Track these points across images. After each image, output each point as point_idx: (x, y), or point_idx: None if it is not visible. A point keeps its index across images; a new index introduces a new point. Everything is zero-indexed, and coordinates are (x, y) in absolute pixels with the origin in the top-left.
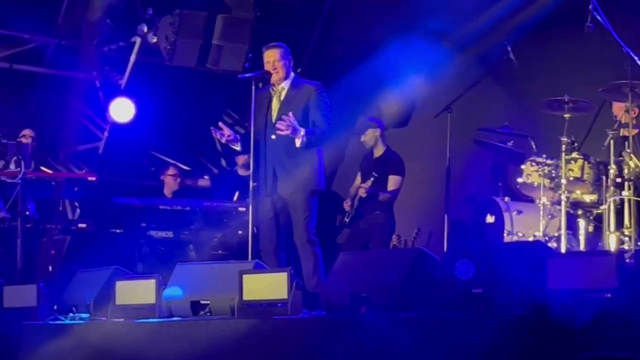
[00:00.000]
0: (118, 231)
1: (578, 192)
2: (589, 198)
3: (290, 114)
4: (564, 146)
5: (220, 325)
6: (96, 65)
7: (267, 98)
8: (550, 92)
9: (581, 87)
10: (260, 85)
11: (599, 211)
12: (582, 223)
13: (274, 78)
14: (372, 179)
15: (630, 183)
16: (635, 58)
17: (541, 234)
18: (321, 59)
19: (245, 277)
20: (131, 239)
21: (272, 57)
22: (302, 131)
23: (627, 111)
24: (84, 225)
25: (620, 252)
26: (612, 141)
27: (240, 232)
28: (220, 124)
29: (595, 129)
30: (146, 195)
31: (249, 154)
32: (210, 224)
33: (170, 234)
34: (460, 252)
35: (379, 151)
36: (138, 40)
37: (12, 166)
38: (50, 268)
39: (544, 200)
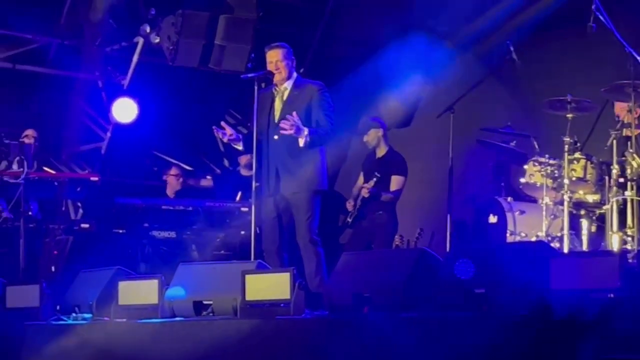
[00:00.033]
0: (121, 231)
1: (581, 192)
2: (591, 198)
3: (294, 113)
4: (566, 146)
5: (223, 326)
6: (99, 66)
7: (269, 98)
8: (552, 92)
9: (584, 87)
10: (263, 85)
11: (601, 211)
12: (584, 223)
13: (276, 78)
14: (374, 179)
15: (633, 183)
16: (638, 58)
17: (544, 234)
18: (324, 59)
19: (247, 277)
20: (134, 239)
21: (274, 58)
22: (306, 131)
23: (629, 111)
24: (86, 226)
25: (623, 252)
26: (614, 141)
27: (242, 232)
28: (222, 123)
29: (598, 129)
30: (149, 196)
31: (252, 154)
32: (212, 224)
33: (172, 234)
34: (462, 252)
35: (381, 151)
36: (140, 40)
37: (14, 166)
38: (52, 268)
39: (546, 200)
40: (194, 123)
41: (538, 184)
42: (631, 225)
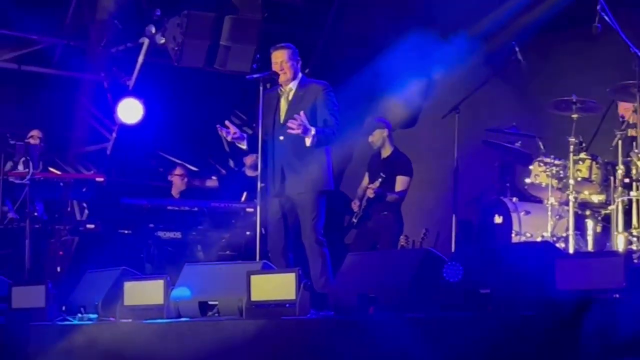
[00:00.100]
0: (126, 232)
1: (586, 192)
2: (597, 198)
3: (302, 113)
4: (572, 146)
5: (228, 326)
6: (104, 67)
7: (275, 99)
8: (558, 92)
9: (589, 88)
10: (268, 86)
11: (607, 211)
12: (590, 223)
13: (281, 79)
14: (380, 179)
15: (638, 183)
16: None
17: (549, 234)
18: (329, 60)
19: (253, 277)
20: (139, 239)
21: (279, 58)
22: (313, 130)
23: (635, 111)
24: (92, 226)
25: (629, 253)
26: (620, 141)
27: (248, 232)
28: (226, 122)
29: (603, 129)
30: (154, 196)
31: (257, 155)
32: (218, 225)
33: (178, 235)
34: (467, 252)
35: (386, 152)
36: (146, 41)
37: (20, 167)
38: (58, 269)
39: (552, 200)
40: (199, 124)
41: (543, 185)
42: (636, 226)
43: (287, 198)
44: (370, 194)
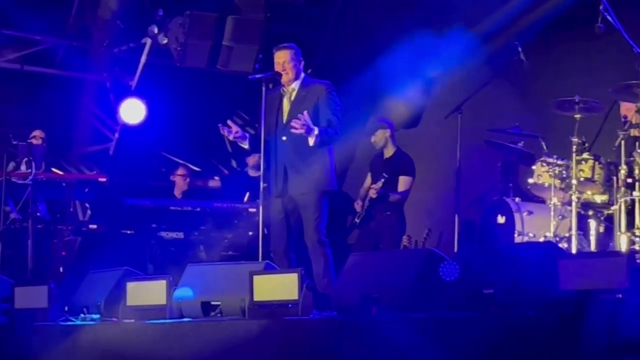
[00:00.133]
0: (129, 232)
1: (589, 192)
2: (599, 199)
3: (305, 112)
4: (574, 147)
5: (231, 326)
6: (106, 67)
7: (277, 99)
8: (560, 92)
9: (592, 88)
10: (271, 86)
11: (609, 212)
12: (592, 224)
13: (284, 79)
14: (382, 180)
15: None
16: None
17: (552, 234)
18: (331, 60)
19: (255, 277)
20: (142, 240)
21: (282, 58)
22: (316, 130)
23: (637, 111)
24: (94, 226)
25: (631, 253)
26: (622, 141)
27: (250, 233)
28: (228, 121)
29: (606, 129)
30: (157, 196)
31: (259, 155)
32: (220, 225)
33: (180, 235)
34: (470, 252)
35: (389, 152)
36: (148, 41)
37: (22, 167)
38: (61, 269)
39: (554, 200)
40: (202, 124)
41: (546, 185)
42: (639, 226)
43: (290, 198)
44: (372, 194)
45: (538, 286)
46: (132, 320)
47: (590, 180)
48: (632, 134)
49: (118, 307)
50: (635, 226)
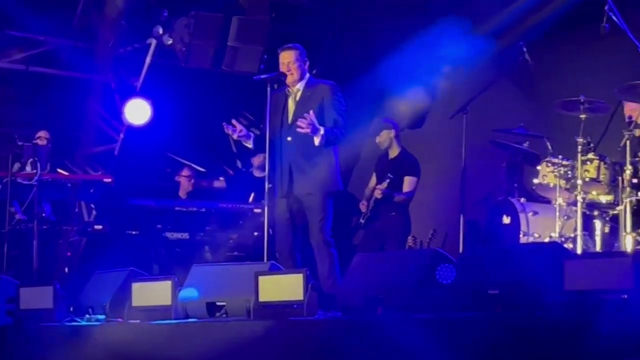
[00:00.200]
0: (134, 233)
1: (594, 192)
2: (605, 199)
3: (311, 112)
4: (579, 147)
5: (236, 327)
6: (111, 67)
7: (282, 99)
8: (565, 92)
9: (597, 88)
10: (276, 86)
11: (615, 212)
12: (598, 224)
13: (288, 80)
14: (388, 180)
15: None
16: None
17: (557, 235)
18: (336, 60)
19: (261, 278)
20: (147, 240)
21: (287, 59)
22: (322, 130)
23: None
24: (99, 227)
25: (637, 253)
26: (628, 142)
27: (255, 233)
28: (233, 120)
29: (611, 129)
30: (162, 197)
31: (264, 155)
32: (225, 226)
33: (186, 236)
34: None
35: (394, 152)
36: (153, 42)
37: (28, 168)
38: (66, 270)
39: (559, 201)
40: (207, 124)
41: (551, 185)
42: None
43: (295, 198)
44: (377, 194)
45: (543, 287)
46: (138, 321)
47: (595, 181)
48: (637, 134)
49: (123, 307)
50: None
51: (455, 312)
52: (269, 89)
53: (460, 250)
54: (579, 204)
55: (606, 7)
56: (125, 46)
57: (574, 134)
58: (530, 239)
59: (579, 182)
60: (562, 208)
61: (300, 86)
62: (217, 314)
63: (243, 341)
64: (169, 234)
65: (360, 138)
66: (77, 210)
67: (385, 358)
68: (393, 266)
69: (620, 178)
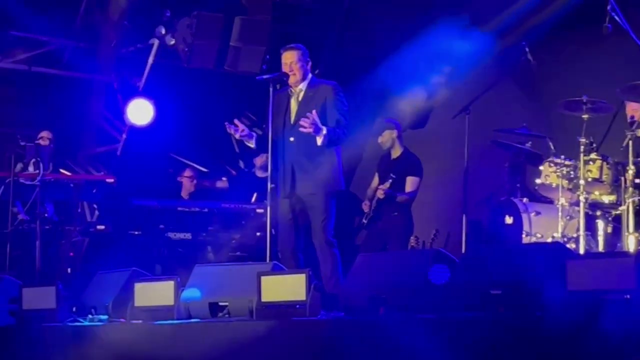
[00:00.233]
0: (136, 233)
1: (597, 193)
2: (607, 199)
3: (314, 112)
4: (582, 147)
5: (239, 327)
6: (114, 68)
7: (285, 99)
8: (568, 92)
9: (599, 88)
10: (278, 86)
11: (617, 212)
12: (600, 224)
13: (291, 80)
14: (390, 180)
15: None
16: None
17: (560, 235)
18: (339, 60)
19: (263, 278)
20: (149, 240)
21: (289, 59)
22: (324, 130)
23: None
24: (102, 227)
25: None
26: (630, 142)
27: (258, 233)
28: (235, 120)
29: (614, 129)
30: (165, 197)
31: (267, 155)
32: (228, 226)
33: (188, 236)
34: (478, 253)
35: (396, 152)
36: (156, 42)
37: (30, 168)
38: (69, 270)
39: (562, 201)
40: (209, 124)
41: (554, 185)
42: None
43: (298, 199)
44: (380, 194)
45: (546, 287)
46: (140, 321)
47: (598, 181)
48: (639, 134)
49: (126, 307)
50: None
51: (457, 312)
52: (271, 89)
53: (463, 250)
54: (581, 204)
55: (608, 7)
56: (127, 46)
57: (576, 134)
58: (533, 239)
59: (582, 182)
60: (564, 208)
61: (302, 86)
62: (220, 314)
63: (245, 341)
64: (171, 234)
65: (363, 138)
66: (79, 210)
67: (388, 358)
68: (395, 266)
69: (622, 178)
